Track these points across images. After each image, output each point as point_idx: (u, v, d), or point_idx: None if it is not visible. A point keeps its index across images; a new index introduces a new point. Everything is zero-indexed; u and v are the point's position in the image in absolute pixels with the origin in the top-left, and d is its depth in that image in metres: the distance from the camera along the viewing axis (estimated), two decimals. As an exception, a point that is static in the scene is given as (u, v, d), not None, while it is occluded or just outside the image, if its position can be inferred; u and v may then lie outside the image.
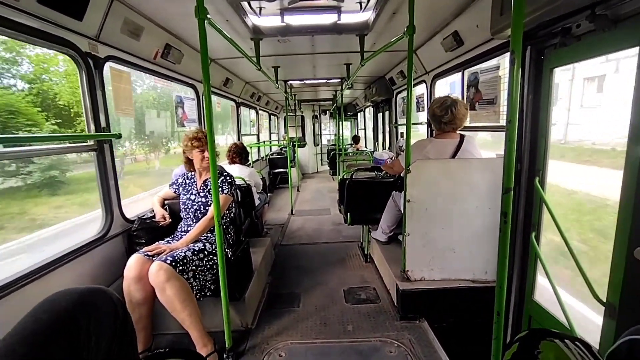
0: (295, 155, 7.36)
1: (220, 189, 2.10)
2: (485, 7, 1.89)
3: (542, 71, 1.76)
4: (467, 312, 2.18)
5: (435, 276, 2.24)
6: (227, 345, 1.84)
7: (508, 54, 1.08)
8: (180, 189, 2.30)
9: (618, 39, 1.31)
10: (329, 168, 9.27)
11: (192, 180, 2.28)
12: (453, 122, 2.22)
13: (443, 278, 2.24)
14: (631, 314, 1.29)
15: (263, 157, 7.45)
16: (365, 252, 3.32)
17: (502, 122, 2.33)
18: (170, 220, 2.28)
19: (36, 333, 0.71)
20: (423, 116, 3.95)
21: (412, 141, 2.24)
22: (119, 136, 2.06)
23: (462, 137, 2.27)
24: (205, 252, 1.98)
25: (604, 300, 1.40)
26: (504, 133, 1.12)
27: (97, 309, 0.82)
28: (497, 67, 2.35)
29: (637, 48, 1.21)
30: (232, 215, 2.28)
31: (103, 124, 1.99)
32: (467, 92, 2.71)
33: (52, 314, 0.75)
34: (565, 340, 0.69)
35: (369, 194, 3.08)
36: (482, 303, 2.11)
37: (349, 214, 3.13)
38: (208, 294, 1.95)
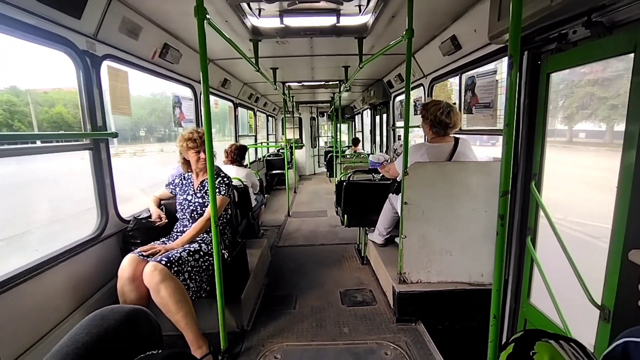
0: (293, 156, 7.34)
1: (217, 190, 2.09)
2: (483, 12, 1.90)
3: (539, 76, 1.77)
4: (464, 315, 2.18)
5: (432, 278, 2.24)
6: (222, 347, 1.83)
7: (505, 58, 1.09)
8: (177, 189, 2.29)
9: (613, 45, 1.33)
10: (326, 170, 9.26)
11: (189, 181, 2.27)
12: (454, 126, 2.26)
13: (440, 280, 2.24)
14: (626, 317, 1.29)
15: (260, 159, 7.43)
16: (362, 254, 3.32)
17: (499, 125, 2.34)
18: (167, 220, 2.26)
19: (88, 345, 0.83)
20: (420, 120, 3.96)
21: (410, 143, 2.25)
22: (115, 135, 2.05)
23: (456, 140, 2.28)
24: (201, 253, 1.97)
25: (599, 303, 1.41)
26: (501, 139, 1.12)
27: (140, 328, 0.96)
28: (494, 72, 2.37)
29: (632, 54, 1.23)
30: (228, 216, 2.27)
31: (99, 122, 1.98)
32: (464, 96, 2.73)
33: (102, 329, 0.87)
34: (560, 341, 0.69)
35: (365, 196, 3.08)
36: (478, 306, 2.12)
37: (345, 215, 3.13)
38: (203, 295, 1.93)
